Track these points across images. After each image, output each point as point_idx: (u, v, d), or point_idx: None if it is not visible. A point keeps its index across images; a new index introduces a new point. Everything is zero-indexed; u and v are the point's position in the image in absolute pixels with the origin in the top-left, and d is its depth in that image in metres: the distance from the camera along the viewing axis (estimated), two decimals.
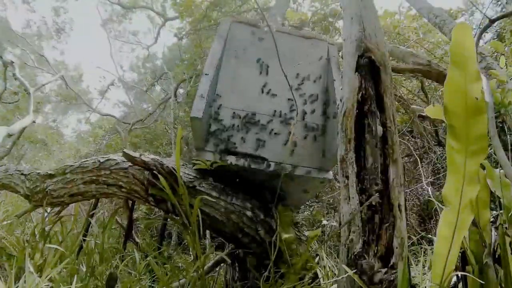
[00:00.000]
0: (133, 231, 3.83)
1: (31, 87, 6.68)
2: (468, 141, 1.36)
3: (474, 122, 1.37)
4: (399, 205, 1.46)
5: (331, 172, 2.14)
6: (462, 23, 1.46)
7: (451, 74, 1.40)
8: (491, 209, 1.79)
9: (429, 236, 3.74)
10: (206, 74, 2.05)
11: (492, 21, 2.46)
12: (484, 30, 2.52)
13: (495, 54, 4.80)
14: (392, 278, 1.37)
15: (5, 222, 3.37)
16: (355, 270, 1.39)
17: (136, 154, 1.88)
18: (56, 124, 16.07)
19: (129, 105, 12.99)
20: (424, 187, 4.44)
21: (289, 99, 2.24)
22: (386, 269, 1.38)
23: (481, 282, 1.56)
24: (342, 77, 1.82)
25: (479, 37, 2.43)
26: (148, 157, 1.92)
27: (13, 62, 6.83)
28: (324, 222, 4.53)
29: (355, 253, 1.42)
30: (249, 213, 1.99)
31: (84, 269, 2.10)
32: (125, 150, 1.83)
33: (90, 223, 3.00)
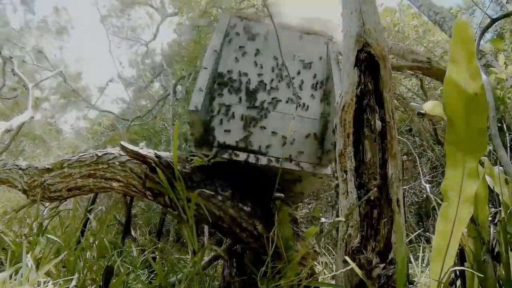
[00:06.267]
0: (131, 227, 3.83)
1: (29, 83, 6.67)
2: (468, 137, 1.36)
3: (474, 118, 1.36)
4: (397, 200, 1.46)
5: (329, 168, 2.13)
6: (462, 19, 1.45)
7: (450, 69, 1.39)
8: (490, 207, 1.79)
9: (427, 234, 3.74)
10: (205, 68, 2.05)
11: (493, 20, 2.45)
12: (486, 29, 2.50)
13: (494, 53, 4.80)
14: (390, 273, 1.37)
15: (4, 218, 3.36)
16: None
17: (134, 147, 1.87)
18: (54, 120, 16.01)
19: (128, 101, 12.98)
20: (422, 185, 4.44)
21: (289, 95, 2.23)
22: (384, 264, 1.38)
23: (480, 275, 1.55)
24: (341, 72, 1.81)
25: (481, 36, 2.41)
26: (145, 150, 1.91)
27: (11, 58, 6.82)
28: (323, 219, 4.52)
29: (353, 248, 1.42)
30: (247, 208, 1.98)
31: (82, 264, 2.10)
32: (122, 143, 1.82)
33: (88, 218, 3.00)
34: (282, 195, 1.90)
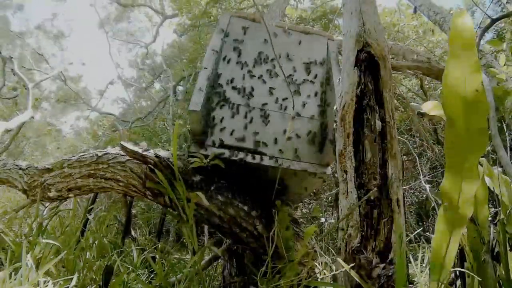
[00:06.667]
0: (131, 227, 3.83)
1: (29, 83, 6.67)
2: (468, 135, 1.35)
3: (474, 115, 1.34)
4: (397, 200, 1.46)
5: (329, 168, 2.13)
6: (462, 11, 1.42)
7: (450, 65, 1.36)
8: (489, 207, 1.79)
9: (427, 234, 3.74)
10: (205, 68, 2.05)
11: (494, 20, 2.45)
12: (486, 29, 2.50)
13: (494, 53, 4.81)
14: (390, 273, 1.37)
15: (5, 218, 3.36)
16: (353, 265, 1.38)
17: (135, 147, 1.87)
18: (54, 120, 16.02)
19: (129, 102, 12.98)
20: (422, 185, 4.45)
21: (288, 94, 2.23)
22: (384, 264, 1.38)
23: (479, 279, 1.55)
24: (341, 72, 1.81)
25: (481, 36, 2.41)
26: (146, 150, 1.91)
27: (11, 58, 6.82)
28: (323, 219, 4.53)
29: (353, 248, 1.42)
30: (246, 208, 1.98)
31: (81, 264, 2.10)
32: (122, 143, 1.82)
33: (88, 218, 3.00)
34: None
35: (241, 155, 2.03)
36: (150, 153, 1.89)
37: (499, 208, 1.80)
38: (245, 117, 2.14)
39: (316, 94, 2.30)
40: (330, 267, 2.21)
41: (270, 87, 2.25)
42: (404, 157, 5.57)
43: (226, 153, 2.02)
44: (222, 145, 2.05)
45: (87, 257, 2.20)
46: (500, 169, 1.85)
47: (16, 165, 2.66)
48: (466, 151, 1.35)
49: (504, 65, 2.93)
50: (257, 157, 2.04)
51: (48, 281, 1.78)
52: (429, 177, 4.73)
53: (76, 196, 2.47)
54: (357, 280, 1.33)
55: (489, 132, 1.71)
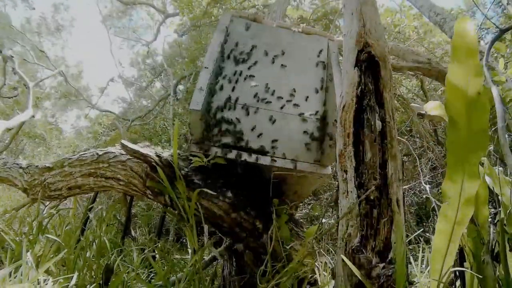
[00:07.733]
0: (131, 227, 3.83)
1: (30, 82, 6.67)
2: (469, 136, 1.36)
3: (475, 117, 1.36)
4: (397, 200, 1.46)
5: (329, 168, 2.13)
6: (464, 17, 1.45)
7: (452, 68, 1.39)
8: (489, 208, 1.79)
9: (427, 234, 3.74)
10: (206, 68, 2.05)
11: (502, 31, 2.43)
12: (495, 40, 2.48)
13: (495, 54, 4.81)
14: (389, 273, 1.37)
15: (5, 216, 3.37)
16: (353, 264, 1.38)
17: (135, 146, 1.87)
18: (55, 119, 16.01)
19: (129, 101, 12.97)
20: (422, 186, 4.44)
21: (289, 94, 2.24)
22: (384, 264, 1.38)
23: (479, 276, 1.55)
24: (341, 72, 1.81)
25: (490, 47, 2.39)
26: (146, 149, 1.91)
27: (12, 57, 6.82)
28: (324, 220, 4.52)
29: (353, 247, 1.42)
30: (247, 208, 1.98)
31: (81, 263, 2.10)
32: (123, 141, 1.82)
33: (88, 217, 3.00)
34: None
35: (241, 154, 2.03)
36: (151, 152, 1.90)
37: (499, 209, 1.80)
38: (246, 117, 2.14)
39: (317, 94, 2.30)
40: (331, 269, 2.21)
41: (271, 87, 2.25)
42: (405, 157, 5.58)
43: (227, 152, 2.02)
44: (222, 144, 2.05)
45: (87, 256, 2.20)
46: (501, 168, 1.85)
47: (17, 164, 2.67)
48: (467, 151, 1.36)
49: (504, 68, 2.94)
50: (257, 156, 2.04)
51: (48, 280, 1.78)
52: (429, 178, 4.73)
53: (76, 195, 2.47)
54: (359, 277, 1.33)
55: (499, 140, 1.70)
